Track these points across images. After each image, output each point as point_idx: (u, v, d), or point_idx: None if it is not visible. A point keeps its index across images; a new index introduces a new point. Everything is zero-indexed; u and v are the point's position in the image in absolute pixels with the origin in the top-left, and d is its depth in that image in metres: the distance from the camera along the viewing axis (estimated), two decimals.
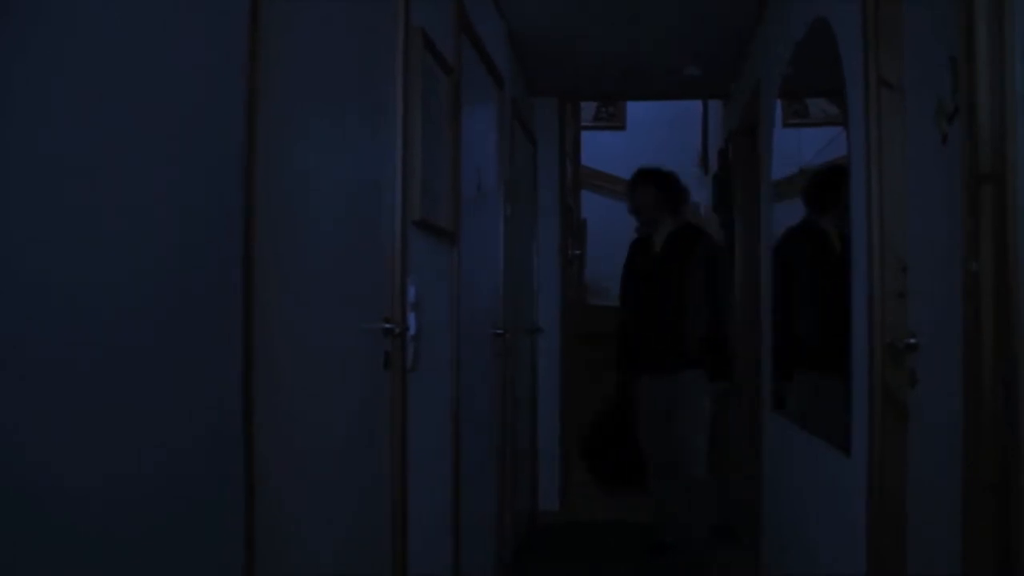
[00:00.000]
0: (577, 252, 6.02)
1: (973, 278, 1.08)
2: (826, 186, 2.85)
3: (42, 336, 0.92)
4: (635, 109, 7.75)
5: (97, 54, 1.02)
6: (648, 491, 4.42)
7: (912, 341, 1.94)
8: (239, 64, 1.37)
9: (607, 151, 7.29)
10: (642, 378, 4.30)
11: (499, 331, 3.84)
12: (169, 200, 1.18)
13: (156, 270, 1.14)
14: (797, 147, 3.37)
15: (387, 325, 2.20)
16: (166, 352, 1.16)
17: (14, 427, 0.88)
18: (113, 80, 1.05)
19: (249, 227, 1.37)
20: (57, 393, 0.94)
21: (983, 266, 1.05)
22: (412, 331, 2.36)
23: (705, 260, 4.18)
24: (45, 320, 0.92)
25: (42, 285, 0.92)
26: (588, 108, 7.54)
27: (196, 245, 1.25)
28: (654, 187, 4.28)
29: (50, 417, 0.93)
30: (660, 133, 7.49)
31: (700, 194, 7.58)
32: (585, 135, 6.90)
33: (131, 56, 1.09)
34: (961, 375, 1.21)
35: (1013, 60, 1.02)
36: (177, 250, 1.19)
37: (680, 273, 4.17)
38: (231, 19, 1.37)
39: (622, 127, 7.87)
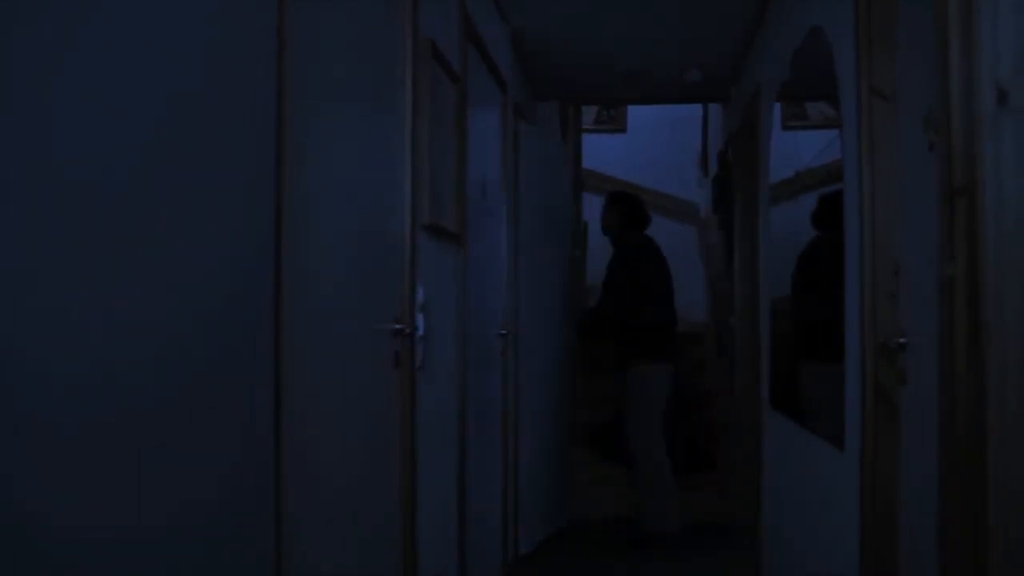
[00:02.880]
0: (578, 254, 6.09)
1: (948, 282, 1.17)
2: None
3: (76, 372, 0.97)
4: (636, 112, 7.81)
5: (129, 77, 1.10)
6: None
7: (902, 341, 2.02)
8: (269, 78, 1.46)
9: (608, 153, 7.36)
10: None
11: (503, 331, 3.92)
12: (205, 215, 1.26)
13: (190, 292, 1.21)
14: (796, 149, 3.44)
15: (397, 326, 2.28)
16: (201, 369, 1.23)
17: (48, 472, 0.91)
18: (151, 100, 1.13)
19: (279, 246, 1.46)
20: (91, 431, 0.99)
21: (957, 271, 1.14)
22: (420, 331, 2.44)
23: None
24: (79, 358, 0.97)
25: (78, 323, 0.97)
26: (589, 111, 7.61)
27: (230, 267, 1.33)
28: (610, 206, 4.99)
29: (83, 458, 0.98)
30: (660, 136, 7.56)
31: (700, 196, 7.65)
32: (586, 138, 6.97)
33: (167, 81, 1.17)
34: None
35: (981, 80, 1.11)
36: (211, 271, 1.27)
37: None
38: (260, 33, 1.45)
39: (623, 130, 7.93)
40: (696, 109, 7.32)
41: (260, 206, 1.43)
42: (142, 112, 1.11)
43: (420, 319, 2.44)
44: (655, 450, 4.59)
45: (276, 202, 1.46)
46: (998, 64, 1.10)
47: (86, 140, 0.99)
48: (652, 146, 7.54)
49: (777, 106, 3.68)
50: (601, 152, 7.32)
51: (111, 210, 1.04)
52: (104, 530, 1.01)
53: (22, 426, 0.87)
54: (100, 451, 1.01)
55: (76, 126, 0.97)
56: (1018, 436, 1.09)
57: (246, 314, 1.37)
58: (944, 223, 1.18)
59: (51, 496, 0.92)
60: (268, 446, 1.43)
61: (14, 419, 0.86)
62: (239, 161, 1.37)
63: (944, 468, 1.21)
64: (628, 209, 4.95)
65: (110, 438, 1.03)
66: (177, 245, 1.17)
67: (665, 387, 4.64)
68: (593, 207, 7.00)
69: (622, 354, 4.73)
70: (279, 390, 1.45)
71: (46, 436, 0.91)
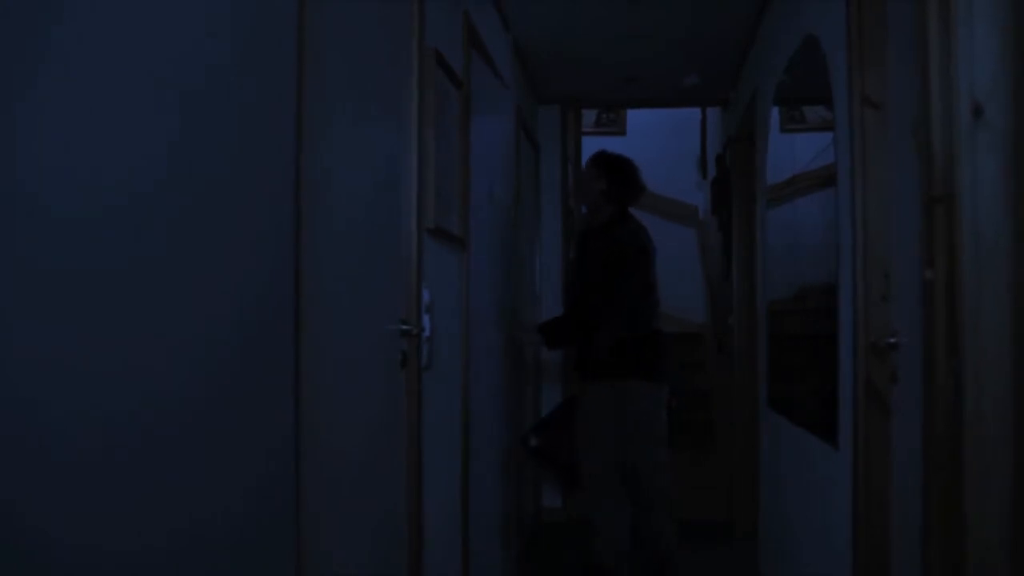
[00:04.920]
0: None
1: (928, 286, 1.24)
2: None
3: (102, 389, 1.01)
4: (635, 115, 7.88)
5: (156, 82, 1.16)
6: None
7: (892, 340, 2.09)
8: (289, 88, 1.53)
9: None
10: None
11: (505, 333, 3.98)
12: (229, 222, 1.32)
13: (216, 297, 1.27)
14: (793, 153, 3.51)
15: (404, 327, 2.35)
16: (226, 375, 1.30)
17: (72, 486, 0.95)
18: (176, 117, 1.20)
19: (298, 251, 1.53)
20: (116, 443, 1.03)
21: (937, 275, 1.21)
22: (427, 332, 2.51)
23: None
24: (106, 367, 1.01)
25: (102, 332, 1.01)
26: (589, 114, 7.67)
27: (252, 271, 1.39)
28: (597, 170, 3.88)
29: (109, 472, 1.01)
30: (660, 139, 7.64)
31: (698, 198, 7.73)
32: (586, 140, 7.03)
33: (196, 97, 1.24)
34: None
35: (959, 96, 1.18)
36: (235, 277, 1.33)
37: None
38: (281, 37, 1.52)
39: (622, 133, 8.00)
40: (695, 113, 7.40)
41: (281, 213, 1.50)
42: (166, 121, 1.17)
43: (426, 320, 2.51)
44: (662, 474, 3.83)
45: (295, 209, 1.53)
46: (974, 81, 1.17)
47: (112, 145, 1.04)
48: (651, 149, 7.60)
49: (775, 109, 3.75)
50: None
51: (129, 215, 1.09)
52: (135, 540, 1.06)
53: (44, 441, 0.90)
54: (132, 457, 1.06)
55: (102, 133, 1.02)
56: (995, 432, 1.16)
57: (269, 317, 1.44)
58: (924, 230, 1.25)
59: (75, 511, 0.95)
60: (289, 449, 1.50)
61: (38, 434, 0.89)
62: (263, 174, 1.44)
63: (926, 462, 1.28)
64: (619, 176, 3.85)
65: (140, 442, 1.08)
66: (201, 250, 1.24)
67: (664, 405, 3.85)
68: None
69: (617, 366, 3.74)
70: (298, 394, 1.52)
71: (71, 449, 0.95)
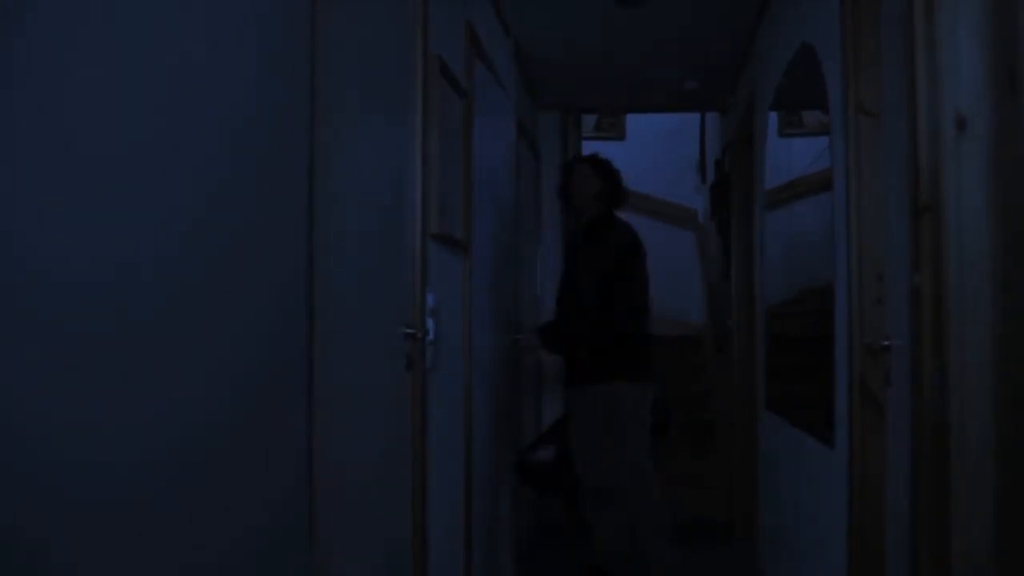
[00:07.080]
0: None
1: (917, 291, 1.29)
2: None
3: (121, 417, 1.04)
4: (634, 120, 7.93)
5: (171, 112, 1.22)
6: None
7: (886, 343, 2.14)
8: (303, 100, 1.58)
9: None
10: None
11: (507, 337, 4.02)
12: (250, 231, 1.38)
13: (230, 314, 1.33)
14: (791, 156, 3.56)
15: (409, 330, 2.39)
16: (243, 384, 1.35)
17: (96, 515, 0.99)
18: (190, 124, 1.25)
19: (311, 258, 1.58)
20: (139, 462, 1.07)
21: (924, 280, 1.26)
22: (431, 336, 2.56)
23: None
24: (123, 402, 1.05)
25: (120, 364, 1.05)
26: (589, 118, 7.73)
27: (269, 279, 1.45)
28: (595, 170, 3.93)
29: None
30: (659, 143, 7.70)
31: (697, 202, 7.79)
32: (586, 145, 7.08)
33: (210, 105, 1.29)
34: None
35: (944, 110, 1.23)
36: (254, 284, 1.39)
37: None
38: (297, 44, 1.58)
39: (622, 137, 8.06)
40: (694, 117, 7.46)
41: (296, 219, 1.55)
42: (183, 124, 1.22)
43: (430, 323, 2.56)
44: (651, 484, 3.74)
45: (308, 216, 1.58)
46: (958, 96, 1.23)
47: (145, 178, 1.10)
48: (651, 153, 7.67)
49: (773, 114, 3.80)
50: None
51: (146, 222, 1.15)
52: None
53: (76, 469, 0.94)
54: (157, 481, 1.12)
55: (136, 172, 1.08)
56: (979, 432, 1.21)
57: (285, 326, 1.49)
58: (912, 237, 1.31)
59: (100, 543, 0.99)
60: (303, 460, 1.55)
61: (76, 468, 0.94)
62: (279, 180, 1.49)
63: (914, 460, 1.33)
64: (614, 181, 3.90)
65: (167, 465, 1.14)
66: (220, 256, 1.29)
67: (650, 408, 3.78)
68: None
69: (601, 369, 3.70)
70: (311, 394, 1.57)
71: (102, 475, 0.99)
